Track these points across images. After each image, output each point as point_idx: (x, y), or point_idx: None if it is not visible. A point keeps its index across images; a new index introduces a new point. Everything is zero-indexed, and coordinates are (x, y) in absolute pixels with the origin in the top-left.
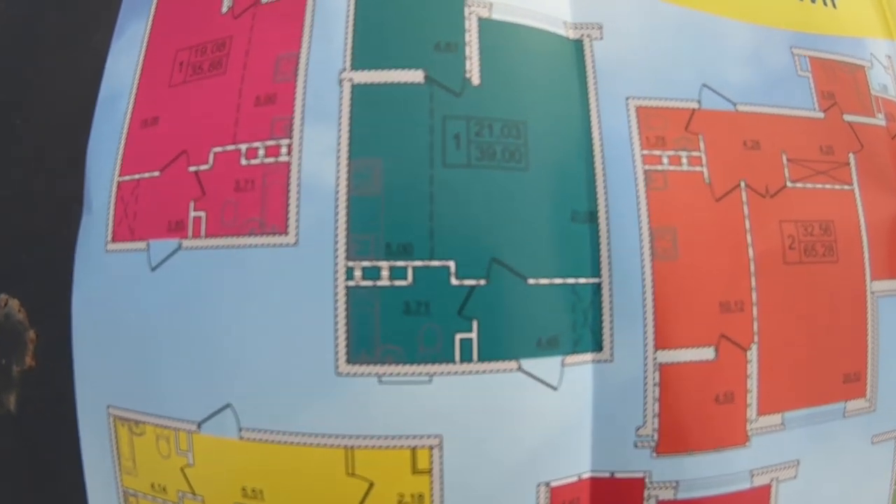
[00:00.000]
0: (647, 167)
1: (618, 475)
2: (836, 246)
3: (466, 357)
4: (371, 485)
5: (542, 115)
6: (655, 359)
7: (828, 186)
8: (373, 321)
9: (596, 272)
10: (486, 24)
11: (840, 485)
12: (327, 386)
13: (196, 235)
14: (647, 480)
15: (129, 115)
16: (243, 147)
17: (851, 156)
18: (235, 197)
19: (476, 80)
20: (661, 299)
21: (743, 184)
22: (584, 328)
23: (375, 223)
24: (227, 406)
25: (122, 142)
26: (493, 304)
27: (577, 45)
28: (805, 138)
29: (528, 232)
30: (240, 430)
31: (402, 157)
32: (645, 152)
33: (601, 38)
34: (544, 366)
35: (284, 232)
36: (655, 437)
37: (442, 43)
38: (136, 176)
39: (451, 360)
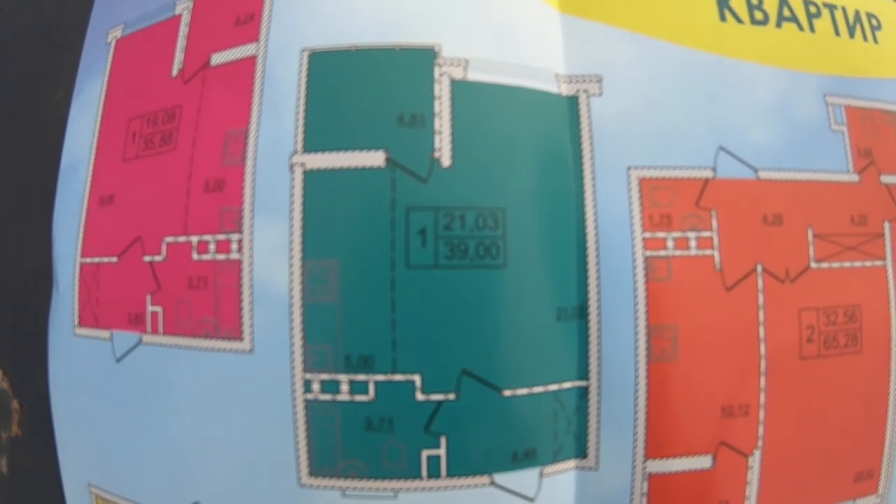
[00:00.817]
0: (648, 253)
1: None
2: (860, 334)
3: (434, 473)
4: None
5: (525, 198)
6: (645, 468)
7: (857, 264)
8: (333, 435)
9: (583, 374)
10: (460, 88)
11: None
12: (292, 496)
13: (154, 331)
14: None
15: (87, 190)
16: (194, 240)
17: (887, 224)
18: (189, 295)
19: (447, 161)
20: (654, 405)
21: (760, 268)
22: (567, 435)
23: (332, 333)
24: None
25: (83, 219)
26: (464, 419)
27: (573, 102)
28: (835, 208)
29: (504, 338)
30: None
31: (360, 259)
32: (647, 235)
33: (600, 94)
34: (520, 479)
35: (239, 338)
36: None
37: (406, 115)
38: (97, 259)
39: (418, 476)
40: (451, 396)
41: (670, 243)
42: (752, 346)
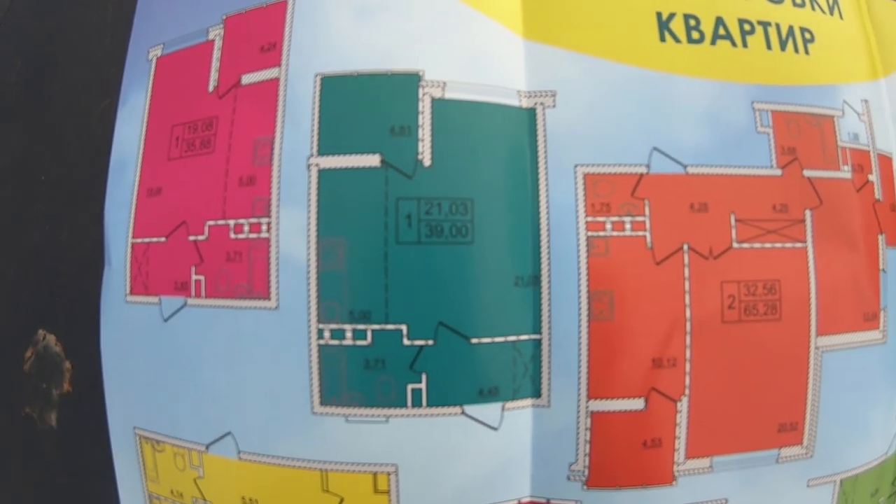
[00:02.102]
0: (590, 234)
1: (553, 502)
2: (780, 305)
3: (417, 403)
4: (342, 500)
5: (489, 190)
6: (588, 407)
7: (777, 245)
8: (340, 373)
9: (537, 329)
10: (438, 105)
11: None
12: (305, 422)
13: (198, 296)
14: None
15: (136, 184)
16: (231, 223)
17: (808, 212)
18: (227, 266)
19: (427, 162)
20: (595, 355)
21: (686, 247)
22: (524, 378)
23: (340, 293)
24: (228, 434)
25: (133, 207)
26: (440, 360)
27: (531, 113)
28: (757, 197)
29: (471, 298)
30: (238, 452)
31: (362, 237)
32: (589, 219)
33: (554, 106)
34: (486, 411)
35: (268, 297)
36: (586, 472)
37: (397, 127)
38: (147, 239)
39: (404, 405)
40: (430, 342)
41: (609, 226)
42: (678, 310)
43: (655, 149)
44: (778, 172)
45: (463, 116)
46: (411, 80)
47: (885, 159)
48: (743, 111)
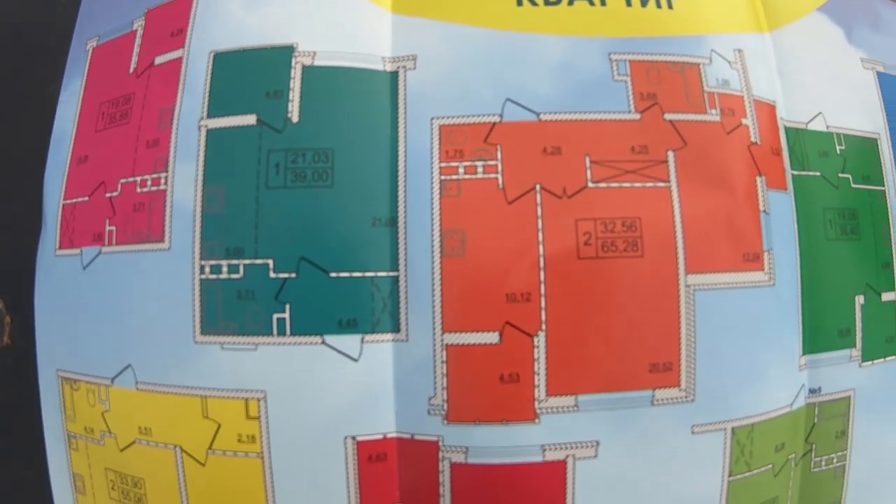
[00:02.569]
0: (443, 178)
1: (417, 437)
2: (641, 241)
3: (282, 332)
4: (219, 425)
5: (350, 141)
6: (443, 340)
7: (637, 185)
8: (217, 304)
9: (395, 267)
10: (308, 72)
11: (653, 471)
12: (188, 351)
13: (110, 244)
14: (440, 444)
15: (70, 155)
16: (138, 179)
17: (671, 153)
18: (133, 216)
19: (295, 119)
20: (448, 290)
21: (538, 187)
22: (383, 313)
23: (219, 233)
24: (129, 366)
25: (66, 174)
26: (301, 292)
27: (394, 76)
28: (614, 140)
29: (330, 236)
30: (136, 383)
31: (238, 184)
32: (443, 164)
33: (414, 68)
34: (345, 342)
35: (162, 240)
36: (445, 406)
37: (271, 91)
38: (74, 200)
39: (270, 333)
40: (293, 275)
41: (461, 170)
42: (531, 246)
43: (509, 100)
44: (636, 116)
45: (329, 80)
46: (286, 52)
47: (765, 106)
48: (599, 62)
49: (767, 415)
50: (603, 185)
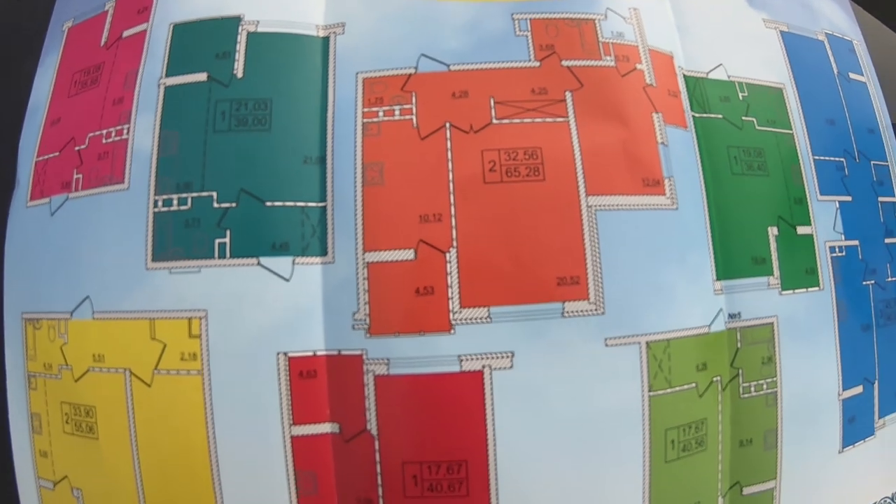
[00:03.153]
0: (365, 120)
1: (343, 352)
2: (542, 168)
3: (222, 255)
4: (165, 345)
5: (285, 93)
6: (364, 259)
7: (538, 120)
8: (167, 233)
9: (323, 198)
10: (253, 37)
11: (569, 382)
12: (140, 278)
13: (76, 190)
14: (364, 357)
15: (44, 118)
16: (104, 131)
17: (568, 94)
18: (98, 164)
19: (240, 75)
20: (368, 214)
21: (448, 125)
22: (312, 238)
23: (172, 172)
24: (87, 298)
25: (39, 136)
26: (240, 219)
27: (325, 40)
28: (516, 84)
29: (267, 171)
30: (93, 313)
31: (189, 130)
32: (365, 109)
33: (343, 33)
34: (278, 263)
35: (122, 181)
36: (367, 320)
37: (221, 53)
38: (46, 156)
39: (213, 257)
40: (234, 205)
41: (381, 113)
42: (441, 174)
43: (423, 55)
44: (536, 64)
45: (270, 43)
46: (234, 22)
47: (661, 56)
48: (503, 21)
49: (682, 332)
50: (506, 121)
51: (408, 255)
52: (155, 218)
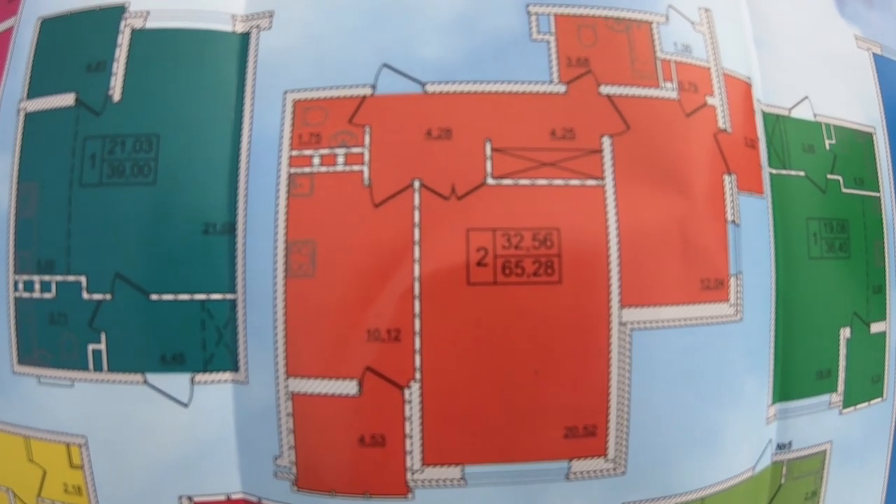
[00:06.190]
0: (293, 170)
1: (265, 502)
2: (559, 262)
3: (98, 367)
4: (45, 472)
5: (180, 124)
6: (287, 386)
7: (558, 182)
8: (31, 328)
9: (232, 288)
10: (138, 36)
11: None
12: (8, 382)
13: None
14: None
15: None
16: None
17: (606, 140)
18: None
19: (117, 97)
20: (292, 320)
21: (417, 184)
22: (218, 346)
23: (31, 241)
24: None
25: None
26: (118, 318)
27: (244, 38)
28: (527, 120)
29: (150, 247)
30: None
31: (51, 180)
32: (294, 153)
33: (270, 28)
34: (171, 381)
35: None
36: (294, 470)
37: (93, 63)
38: None
39: (86, 368)
40: (108, 297)
41: (316, 160)
42: (404, 266)
43: (386, 65)
44: (561, 89)
45: (162, 46)
46: (115, 13)
47: (738, 83)
48: (513, 15)
49: (723, 484)
50: (508, 181)
51: (349, 387)
52: (17, 306)
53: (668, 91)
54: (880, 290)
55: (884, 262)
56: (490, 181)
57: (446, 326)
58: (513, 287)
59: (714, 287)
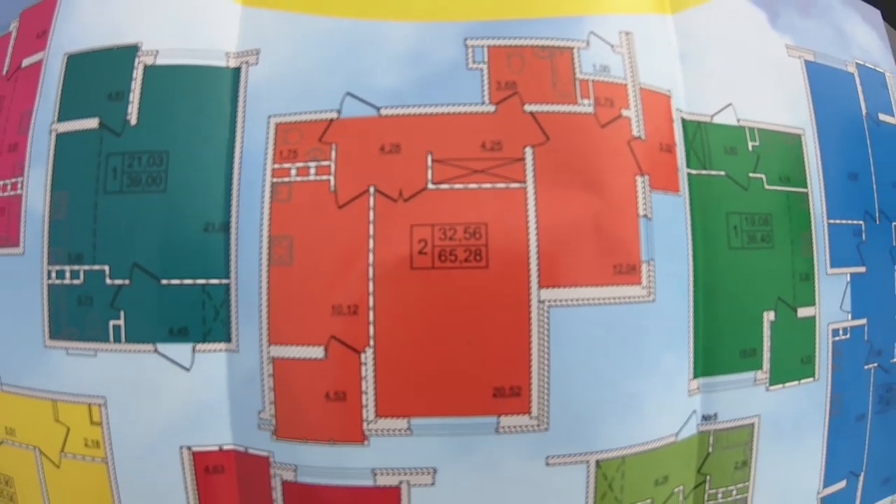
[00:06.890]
0: (274, 180)
1: (250, 451)
2: (486, 250)
3: (117, 339)
4: (68, 429)
5: (185, 143)
6: (269, 352)
7: (486, 186)
8: (61, 310)
9: (227, 275)
10: (150, 71)
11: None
12: (40, 355)
13: None
14: (270, 459)
15: None
16: (1, 183)
17: (528, 150)
18: None
19: (134, 121)
20: (274, 301)
21: (372, 189)
22: (215, 322)
23: (63, 239)
24: None
25: None
26: (135, 299)
27: (236, 72)
28: (462, 136)
29: (161, 242)
30: (1, 385)
31: (79, 190)
32: (276, 166)
33: (257, 63)
34: (176, 350)
35: (17, 245)
36: (273, 421)
37: (113, 93)
38: None
39: (107, 340)
40: (127, 282)
41: (293, 171)
42: (361, 255)
43: (348, 94)
44: (490, 109)
45: (168, 79)
46: (130, 52)
47: (656, 95)
48: (453, 48)
49: (643, 446)
50: (445, 186)
51: (317, 352)
52: (49, 291)
53: (585, 107)
54: (808, 277)
55: (811, 252)
56: (431, 186)
57: (395, 303)
58: (448, 271)
59: (626, 272)
